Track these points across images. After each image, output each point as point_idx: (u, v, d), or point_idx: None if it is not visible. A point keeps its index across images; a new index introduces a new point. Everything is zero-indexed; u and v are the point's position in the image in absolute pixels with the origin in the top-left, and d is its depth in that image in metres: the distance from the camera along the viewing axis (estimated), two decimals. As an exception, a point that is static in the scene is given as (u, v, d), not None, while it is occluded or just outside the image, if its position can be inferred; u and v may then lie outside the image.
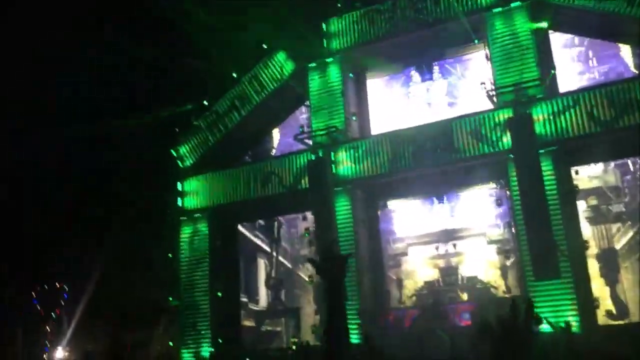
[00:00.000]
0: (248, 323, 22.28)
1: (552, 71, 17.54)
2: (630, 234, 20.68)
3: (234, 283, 21.54)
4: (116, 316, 23.80)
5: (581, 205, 19.22)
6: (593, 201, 20.35)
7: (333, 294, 2.70)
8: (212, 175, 21.70)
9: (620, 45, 19.11)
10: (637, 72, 18.46)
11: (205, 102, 22.10)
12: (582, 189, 18.71)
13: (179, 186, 21.90)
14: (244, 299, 22.42)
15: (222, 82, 22.12)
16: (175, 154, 22.27)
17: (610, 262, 19.76)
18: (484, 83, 17.94)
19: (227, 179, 21.46)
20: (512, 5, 17.99)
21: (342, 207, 19.06)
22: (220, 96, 21.99)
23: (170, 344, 20.95)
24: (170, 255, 21.49)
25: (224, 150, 22.05)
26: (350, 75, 20.78)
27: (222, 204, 21.27)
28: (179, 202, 21.71)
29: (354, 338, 17.39)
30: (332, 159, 19.26)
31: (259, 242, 23.93)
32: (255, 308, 23.18)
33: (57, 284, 28.20)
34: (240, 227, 22.68)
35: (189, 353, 20.05)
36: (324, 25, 20.59)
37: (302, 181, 19.76)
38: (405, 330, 17.31)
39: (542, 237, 15.90)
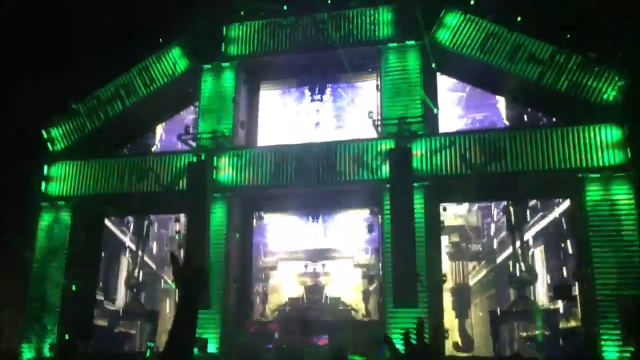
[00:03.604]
0: (101, 322, 21.11)
1: (435, 110, 18.51)
2: (484, 272, 22.24)
3: (91, 279, 20.36)
4: None
5: (444, 241, 20.34)
6: (455, 238, 21.65)
7: (187, 302, 2.62)
8: (84, 163, 20.47)
9: (497, 97, 20.61)
10: (508, 123, 19.96)
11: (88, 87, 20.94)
12: (447, 225, 19.84)
13: (45, 170, 20.46)
14: (100, 297, 21.25)
15: (110, 67, 21.09)
16: (45, 135, 20.82)
17: (463, 297, 21.05)
18: (372, 112, 18.55)
19: (100, 169, 20.33)
20: (407, 42, 18.87)
21: (218, 214, 18.77)
22: (106, 82, 20.96)
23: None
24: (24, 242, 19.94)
25: (101, 139, 20.88)
26: (244, 83, 20.65)
27: (90, 195, 20.10)
28: (42, 187, 20.26)
29: (212, 348, 17.10)
30: (215, 164, 18.94)
31: (125, 238, 22.88)
32: (111, 307, 22.03)
33: None
34: (106, 221, 21.56)
35: (29, 349, 18.59)
36: (224, 29, 20.35)
37: (180, 182, 19.23)
38: (266, 344, 17.29)
39: (405, 266, 16.58)
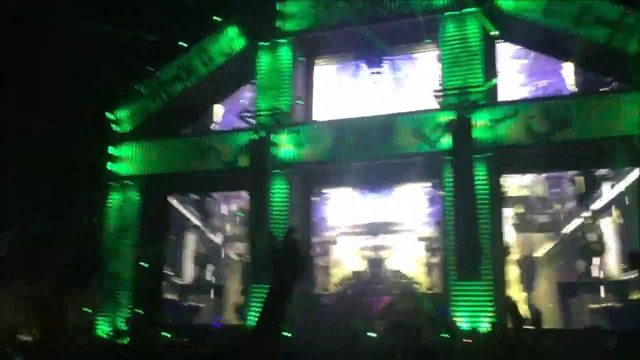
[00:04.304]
0: (171, 296, 21.96)
1: (494, 80, 17.96)
2: (552, 244, 21.63)
3: (160, 255, 21.13)
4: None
5: (509, 212, 19.90)
6: (520, 209, 21.10)
7: (281, 286, 2.51)
8: (149, 143, 21.12)
9: (562, 63, 19.76)
10: (574, 90, 19.15)
11: (150, 68, 21.45)
12: (512, 196, 19.37)
13: (112, 150, 21.22)
14: (169, 272, 22.06)
15: (169, 50, 21.51)
16: (112, 117, 21.54)
17: (529, 269, 20.59)
18: (432, 83, 18.21)
19: (164, 149, 20.96)
20: (465, 10, 18.29)
21: (279, 190, 18.99)
22: (166, 64, 21.42)
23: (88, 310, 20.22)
24: (94, 219, 20.86)
25: (164, 120, 21.47)
26: (301, 58, 20.63)
27: (156, 174, 20.76)
28: (110, 167, 21.05)
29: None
30: (273, 141, 19.12)
31: (190, 216, 23.56)
32: (179, 282, 22.86)
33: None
34: (171, 199, 22.24)
35: (104, 323, 19.56)
36: (278, 5, 20.30)
37: (241, 160, 19.53)
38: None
39: (469, 239, 16.36)
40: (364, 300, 18.22)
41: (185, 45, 21.19)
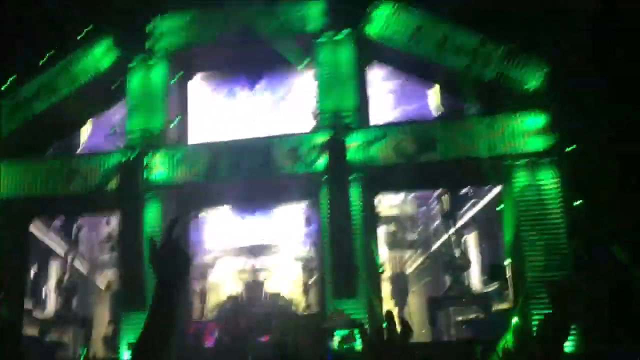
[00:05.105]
0: (31, 332, 20.17)
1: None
2: (420, 260, 22.69)
3: (19, 288, 19.42)
4: None
5: (381, 231, 20.61)
6: (391, 228, 21.96)
7: (166, 289, 2.30)
8: (8, 164, 19.46)
9: (427, 88, 20.98)
10: (439, 113, 20.39)
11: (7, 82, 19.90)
12: (383, 215, 20.12)
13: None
14: (29, 306, 20.29)
15: (32, 64, 20.10)
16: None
17: (400, 285, 21.40)
18: (309, 105, 18.62)
19: (25, 171, 19.40)
20: (338, 36, 18.92)
21: (152, 213, 18.26)
22: (28, 79, 19.99)
23: None
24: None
25: (25, 139, 19.94)
26: (174, 79, 20.14)
27: (15, 198, 19.12)
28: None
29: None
30: (146, 162, 18.41)
31: (53, 243, 21.90)
32: (40, 316, 21.09)
33: None
34: (33, 225, 20.58)
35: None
36: (152, 21, 19.74)
37: (110, 182, 18.59)
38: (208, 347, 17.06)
39: (343, 258, 16.72)
40: (242, 323, 17.92)
41: (50, 59, 19.87)
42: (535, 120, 17.31)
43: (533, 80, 17.35)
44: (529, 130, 17.27)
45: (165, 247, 2.91)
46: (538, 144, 17.17)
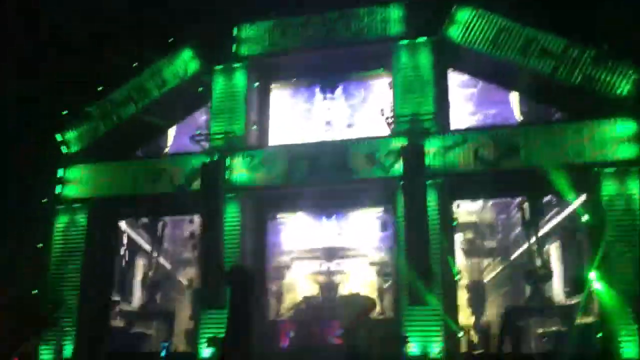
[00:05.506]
0: (118, 323, 21.28)
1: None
2: (499, 269, 22.10)
3: (108, 280, 20.54)
4: None
5: (458, 238, 20.26)
6: (469, 235, 21.53)
7: (240, 300, 2.53)
8: (99, 165, 20.70)
9: (509, 92, 20.44)
10: (520, 119, 19.83)
11: (100, 88, 21.10)
12: (461, 222, 19.75)
13: (60, 172, 20.64)
14: (117, 298, 21.41)
15: (121, 71, 21.21)
16: (60, 139, 21.01)
17: (478, 293, 20.94)
18: (383, 110, 18.57)
19: (115, 172, 20.55)
20: (418, 40, 18.81)
21: (232, 214, 18.82)
22: (118, 86, 21.11)
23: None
24: (41, 244, 20.11)
25: (115, 142, 21.10)
26: (256, 83, 20.69)
27: (105, 197, 20.29)
28: (58, 190, 20.44)
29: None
30: (227, 164, 19.00)
31: (140, 240, 23.00)
32: (127, 308, 22.19)
33: None
34: (121, 223, 21.72)
35: (48, 351, 18.77)
36: (235, 29, 20.40)
37: (194, 183, 19.31)
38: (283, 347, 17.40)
39: (419, 264, 16.54)
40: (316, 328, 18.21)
41: (138, 66, 20.92)
42: (625, 127, 16.53)
43: (622, 86, 16.57)
44: (618, 137, 16.52)
45: (234, 281, 3.18)
46: (628, 151, 16.40)
